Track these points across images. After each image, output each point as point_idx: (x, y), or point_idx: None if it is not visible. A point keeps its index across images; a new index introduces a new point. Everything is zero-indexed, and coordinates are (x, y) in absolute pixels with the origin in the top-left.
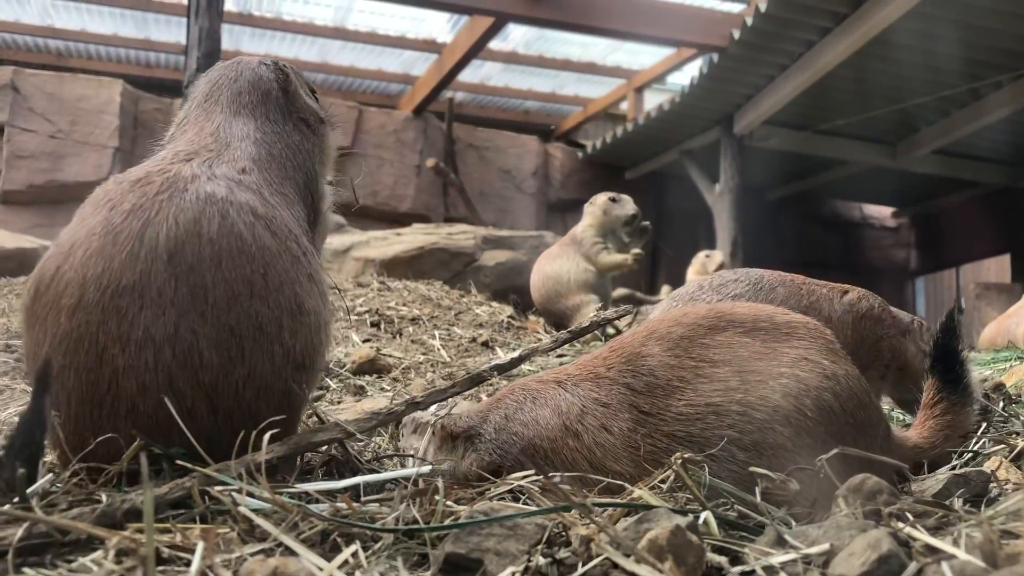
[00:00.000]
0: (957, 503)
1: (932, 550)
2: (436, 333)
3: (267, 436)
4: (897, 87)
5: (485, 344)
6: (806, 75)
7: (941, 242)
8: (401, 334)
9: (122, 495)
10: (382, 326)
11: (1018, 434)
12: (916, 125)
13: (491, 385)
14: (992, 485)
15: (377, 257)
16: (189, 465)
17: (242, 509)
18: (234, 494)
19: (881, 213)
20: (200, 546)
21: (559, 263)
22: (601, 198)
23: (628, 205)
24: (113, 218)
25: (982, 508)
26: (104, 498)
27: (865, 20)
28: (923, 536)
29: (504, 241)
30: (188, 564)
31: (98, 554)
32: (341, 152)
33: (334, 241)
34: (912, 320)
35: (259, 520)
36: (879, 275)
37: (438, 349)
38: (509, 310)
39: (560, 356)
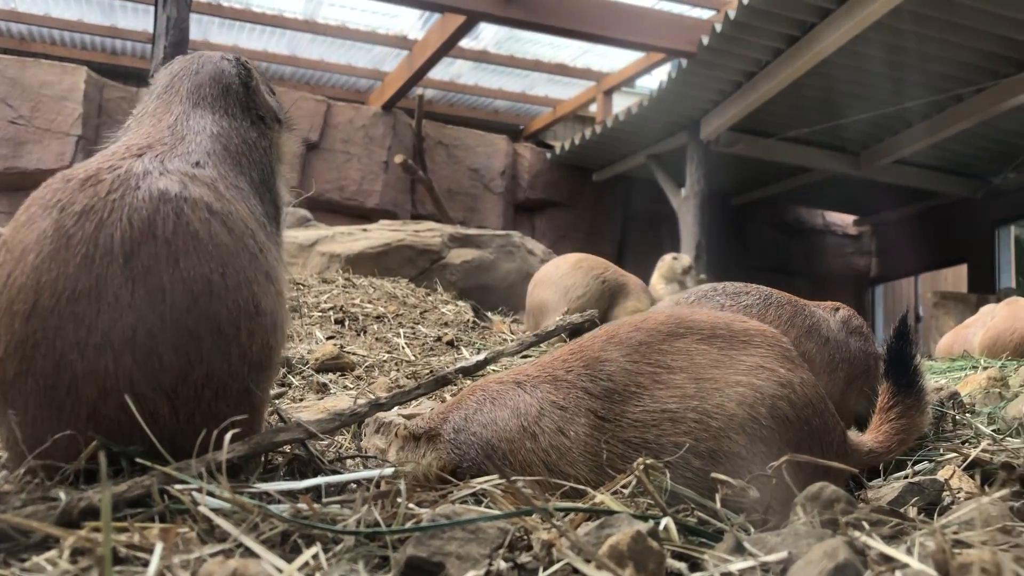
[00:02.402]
0: (912, 511)
1: (887, 559)
2: (401, 331)
3: (228, 436)
4: (861, 97)
5: (451, 343)
6: (773, 83)
7: (900, 251)
8: (365, 331)
9: (79, 493)
10: (346, 323)
11: (971, 443)
12: (879, 135)
13: (456, 387)
14: (945, 493)
15: (343, 252)
16: (148, 464)
17: (202, 509)
18: (194, 493)
19: (843, 221)
20: (158, 546)
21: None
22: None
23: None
24: (64, 220)
25: (935, 516)
26: (62, 496)
27: (832, 31)
28: (878, 545)
29: (471, 240)
30: (146, 564)
31: (53, 553)
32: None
33: (299, 235)
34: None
35: (219, 520)
36: (840, 282)
37: (403, 347)
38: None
39: (524, 357)
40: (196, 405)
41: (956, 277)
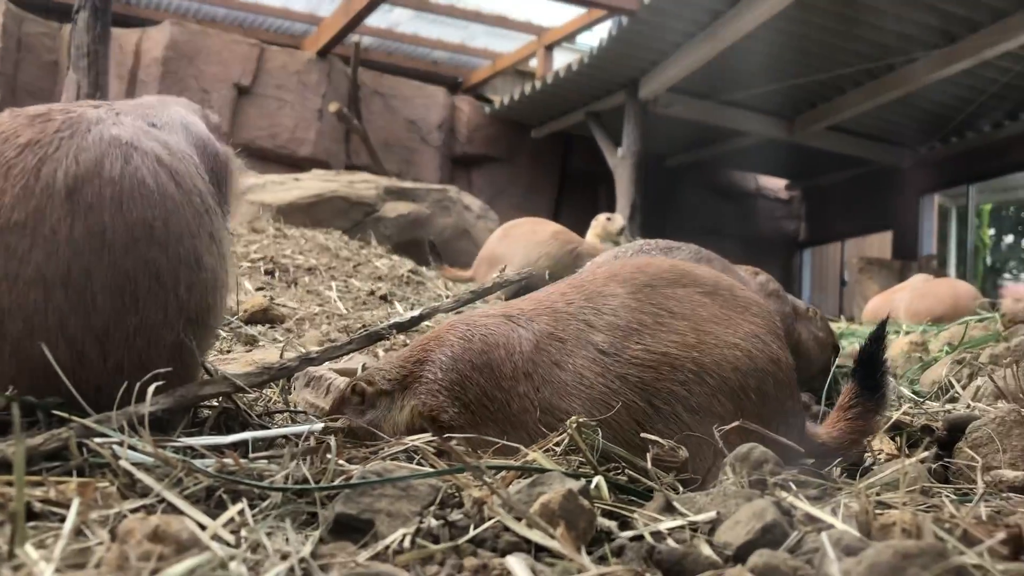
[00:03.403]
0: (836, 471)
1: (812, 519)
2: (333, 284)
3: (152, 388)
4: (797, 63)
5: (383, 298)
6: (712, 45)
7: (829, 216)
8: (296, 284)
9: None
10: (276, 274)
11: (893, 406)
12: (813, 101)
13: (389, 342)
14: (867, 455)
15: (273, 202)
16: (66, 416)
17: (123, 463)
18: (115, 447)
19: (775, 185)
20: (75, 501)
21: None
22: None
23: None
24: (5, 151)
25: (858, 477)
26: None
27: None
28: (804, 506)
29: (407, 193)
30: (62, 520)
31: None
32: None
33: None
34: (808, 307)
35: (140, 474)
36: (770, 245)
37: (334, 301)
38: (410, 263)
39: (459, 314)
40: (126, 352)
41: (881, 243)
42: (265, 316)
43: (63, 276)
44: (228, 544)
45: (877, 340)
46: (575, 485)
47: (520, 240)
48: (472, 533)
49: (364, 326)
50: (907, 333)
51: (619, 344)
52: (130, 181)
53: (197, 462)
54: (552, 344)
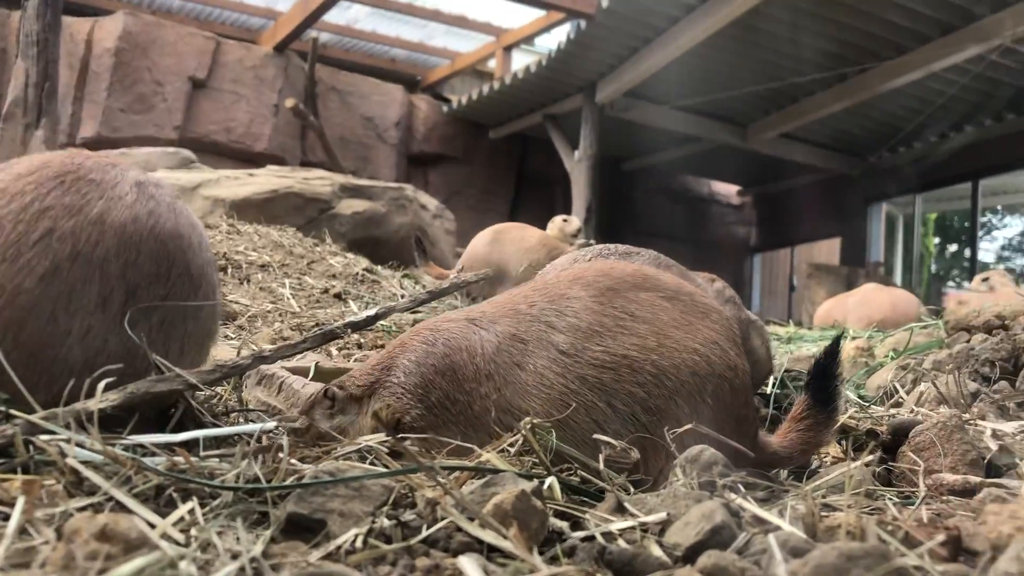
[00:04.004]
0: (783, 474)
1: (760, 521)
2: (287, 282)
3: (101, 384)
4: (751, 70)
5: (338, 296)
6: (668, 50)
7: (780, 222)
8: (249, 280)
9: None
10: (229, 271)
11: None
12: (766, 108)
13: (344, 341)
14: (814, 458)
15: (227, 197)
16: (10, 411)
17: (70, 460)
18: (62, 444)
19: (727, 190)
20: (20, 499)
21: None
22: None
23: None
24: (79, 155)
25: (804, 480)
26: None
27: (728, 2)
28: (752, 508)
29: (363, 191)
30: (6, 519)
31: None
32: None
33: (182, 178)
34: (755, 317)
35: (88, 472)
36: (721, 250)
37: (288, 298)
38: (364, 262)
39: (415, 313)
40: (144, 317)
41: (830, 250)
42: None
43: (119, 227)
44: (178, 543)
45: (832, 355)
46: (528, 486)
47: (510, 243)
48: (425, 533)
49: (318, 324)
50: (854, 338)
51: (579, 345)
52: (180, 205)
53: (147, 460)
54: (514, 345)
